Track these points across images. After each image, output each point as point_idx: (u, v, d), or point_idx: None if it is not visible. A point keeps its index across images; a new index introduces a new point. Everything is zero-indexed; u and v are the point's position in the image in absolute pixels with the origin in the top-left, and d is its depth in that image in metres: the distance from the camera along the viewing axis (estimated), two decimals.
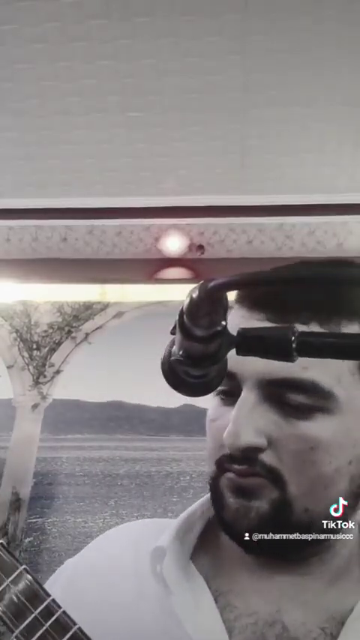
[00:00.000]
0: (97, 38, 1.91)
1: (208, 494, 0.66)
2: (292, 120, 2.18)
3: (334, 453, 0.54)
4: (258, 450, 0.54)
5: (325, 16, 1.81)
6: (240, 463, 0.55)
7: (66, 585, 0.65)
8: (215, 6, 1.81)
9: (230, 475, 0.56)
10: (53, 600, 0.52)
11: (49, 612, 0.51)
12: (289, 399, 0.54)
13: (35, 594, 0.52)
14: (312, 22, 1.83)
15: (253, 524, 0.54)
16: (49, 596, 0.52)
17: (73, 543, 2.58)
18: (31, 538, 2.63)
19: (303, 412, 0.53)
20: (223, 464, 0.57)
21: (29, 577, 0.52)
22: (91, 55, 1.97)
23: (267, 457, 0.54)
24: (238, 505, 0.55)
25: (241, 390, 0.55)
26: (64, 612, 0.52)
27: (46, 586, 0.68)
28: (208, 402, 0.60)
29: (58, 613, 0.51)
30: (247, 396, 0.54)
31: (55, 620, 0.51)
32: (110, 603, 0.60)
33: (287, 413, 0.54)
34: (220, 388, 0.56)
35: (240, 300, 0.60)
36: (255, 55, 1.95)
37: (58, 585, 0.66)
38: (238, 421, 0.53)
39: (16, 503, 2.71)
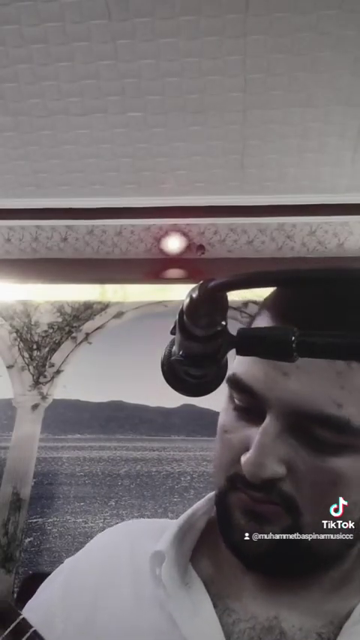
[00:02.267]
0: (97, 38, 1.91)
1: (210, 494, 0.65)
2: (292, 120, 2.18)
3: (355, 488, 0.52)
4: (278, 479, 0.52)
5: (325, 16, 1.81)
6: (257, 490, 0.52)
7: (64, 585, 0.64)
8: (215, 6, 1.81)
9: (243, 497, 0.54)
10: (24, 619, 0.49)
11: (20, 631, 0.48)
12: (316, 433, 0.51)
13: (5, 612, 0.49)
14: (312, 22, 1.83)
15: (262, 549, 0.52)
16: (19, 614, 0.50)
17: (73, 543, 2.58)
18: (32, 538, 2.63)
19: (329, 447, 0.51)
20: (236, 483, 0.54)
21: None
22: (91, 55, 1.97)
23: (285, 485, 0.52)
24: (248, 528, 0.53)
25: (263, 412, 0.52)
26: (34, 632, 0.49)
27: (44, 584, 0.69)
28: (221, 409, 0.58)
29: (30, 632, 0.48)
30: (272, 423, 0.52)
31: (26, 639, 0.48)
32: (106, 605, 0.59)
33: (311, 446, 0.51)
34: (238, 404, 0.55)
35: (274, 311, 0.54)
36: (255, 55, 1.95)
37: (57, 584, 0.65)
38: (263, 451, 0.51)
39: (16, 503, 2.71)
